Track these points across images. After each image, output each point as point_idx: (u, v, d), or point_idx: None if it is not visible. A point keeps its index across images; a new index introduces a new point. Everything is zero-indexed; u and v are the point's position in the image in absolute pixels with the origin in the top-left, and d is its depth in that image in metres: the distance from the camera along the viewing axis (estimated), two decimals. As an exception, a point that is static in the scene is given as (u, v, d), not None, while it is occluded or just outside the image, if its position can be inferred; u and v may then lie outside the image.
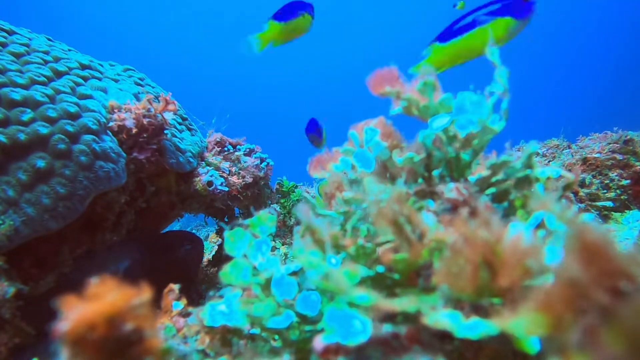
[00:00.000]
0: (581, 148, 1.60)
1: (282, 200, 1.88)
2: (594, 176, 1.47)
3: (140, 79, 1.56)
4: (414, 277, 0.40)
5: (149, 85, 1.55)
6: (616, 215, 1.39)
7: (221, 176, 1.55)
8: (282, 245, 1.69)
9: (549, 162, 1.63)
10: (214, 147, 1.71)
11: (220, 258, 1.76)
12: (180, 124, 1.60)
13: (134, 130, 1.20)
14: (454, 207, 0.42)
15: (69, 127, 1.00)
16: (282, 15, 1.54)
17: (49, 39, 1.35)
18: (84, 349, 0.32)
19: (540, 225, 0.38)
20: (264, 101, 26.67)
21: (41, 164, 0.93)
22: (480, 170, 0.46)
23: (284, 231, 1.82)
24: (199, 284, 1.57)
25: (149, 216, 1.40)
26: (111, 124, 1.17)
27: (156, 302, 0.38)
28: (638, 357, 0.27)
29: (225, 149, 1.75)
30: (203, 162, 1.57)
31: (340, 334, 0.34)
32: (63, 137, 0.98)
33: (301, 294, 0.40)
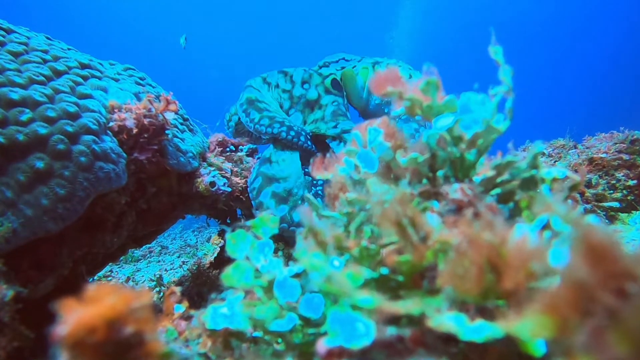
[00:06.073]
0: (587, 148, 1.59)
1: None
2: (600, 176, 1.46)
3: (140, 78, 1.55)
4: (419, 279, 0.40)
5: (150, 85, 1.55)
6: (623, 216, 1.38)
7: (223, 176, 1.55)
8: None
9: (554, 162, 1.63)
10: (216, 148, 1.70)
11: (222, 260, 1.75)
12: (181, 124, 1.60)
13: (135, 131, 1.19)
14: (458, 208, 0.41)
15: (68, 127, 0.99)
16: None
17: (48, 38, 1.34)
18: (83, 353, 0.32)
19: (546, 226, 0.38)
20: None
21: (40, 164, 0.92)
22: (485, 171, 0.46)
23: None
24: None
25: (149, 217, 1.39)
26: (111, 124, 1.17)
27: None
28: (644, 359, 0.27)
29: (227, 149, 1.75)
30: (205, 163, 1.57)
31: (343, 337, 0.33)
32: (62, 137, 0.97)
33: (304, 296, 0.40)
